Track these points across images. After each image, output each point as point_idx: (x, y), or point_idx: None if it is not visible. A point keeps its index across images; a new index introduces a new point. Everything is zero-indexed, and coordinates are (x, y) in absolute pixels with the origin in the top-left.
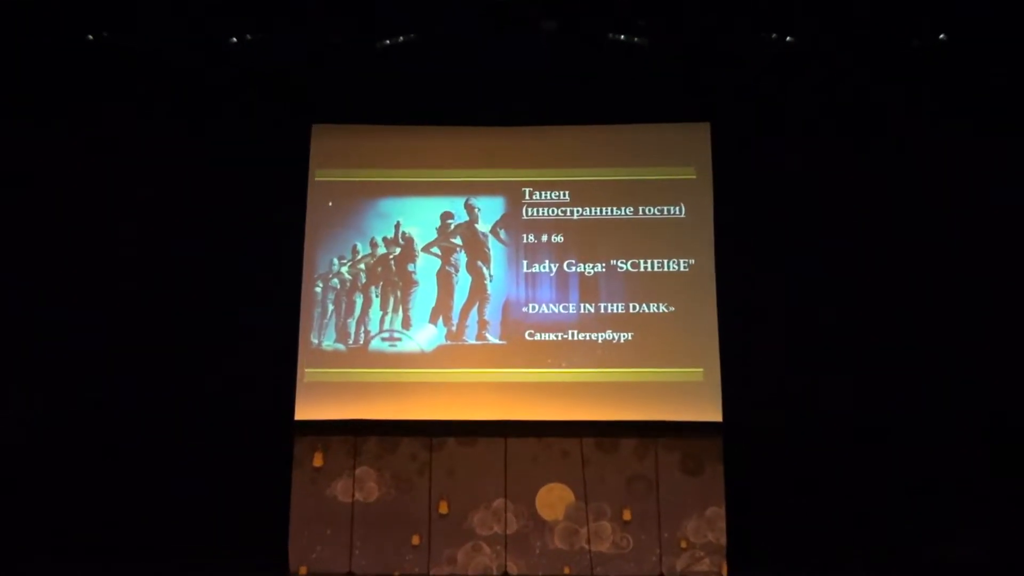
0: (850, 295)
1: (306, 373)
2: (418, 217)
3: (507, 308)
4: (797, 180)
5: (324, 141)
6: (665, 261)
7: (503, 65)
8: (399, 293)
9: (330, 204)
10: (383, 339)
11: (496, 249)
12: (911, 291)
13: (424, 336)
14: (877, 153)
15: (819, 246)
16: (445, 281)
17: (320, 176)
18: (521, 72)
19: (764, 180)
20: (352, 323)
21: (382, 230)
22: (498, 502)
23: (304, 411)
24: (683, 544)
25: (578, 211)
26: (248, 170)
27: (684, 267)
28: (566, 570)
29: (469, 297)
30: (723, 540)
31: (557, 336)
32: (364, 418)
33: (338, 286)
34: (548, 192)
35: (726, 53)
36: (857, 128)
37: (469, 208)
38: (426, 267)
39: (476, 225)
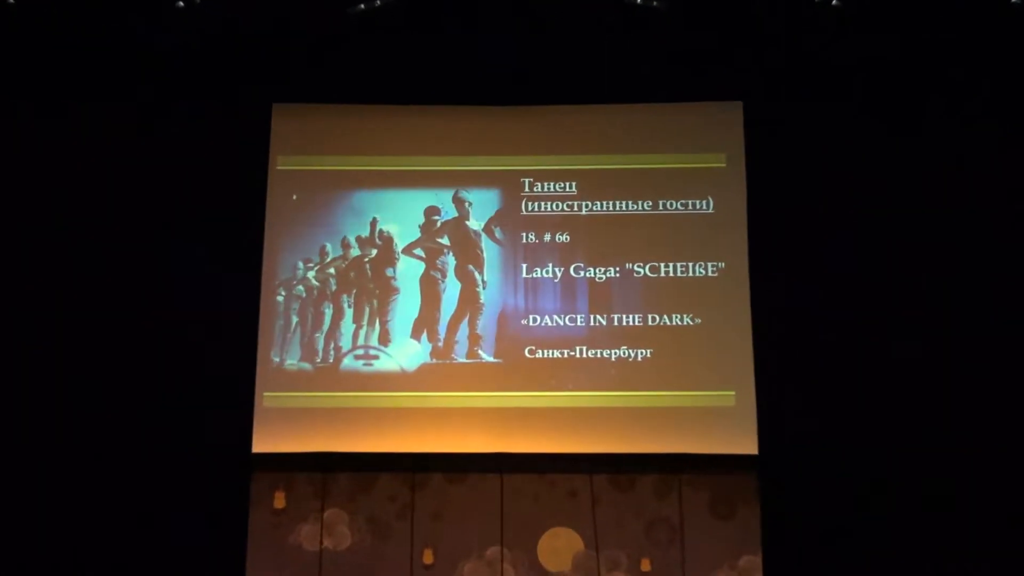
0: (908, 304)
1: (265, 397)
2: (398, 213)
3: (503, 320)
4: (846, 170)
5: (287, 123)
6: (690, 265)
7: (499, 35)
8: (375, 303)
9: (294, 197)
10: (357, 357)
11: (490, 250)
12: (982, 298)
13: (405, 354)
14: (940, 138)
15: (871, 247)
16: (430, 288)
17: (283, 164)
18: (520, 43)
19: (807, 170)
20: (320, 338)
21: (356, 228)
22: (493, 550)
23: (263, 442)
24: None
25: (587, 205)
26: (197, 157)
27: (712, 272)
28: None
29: (458, 307)
30: None
31: (562, 353)
32: (334, 450)
33: (304, 294)
34: (552, 183)
35: (762, 18)
36: (917, 109)
37: (458, 202)
38: (407, 272)
39: (467, 222)
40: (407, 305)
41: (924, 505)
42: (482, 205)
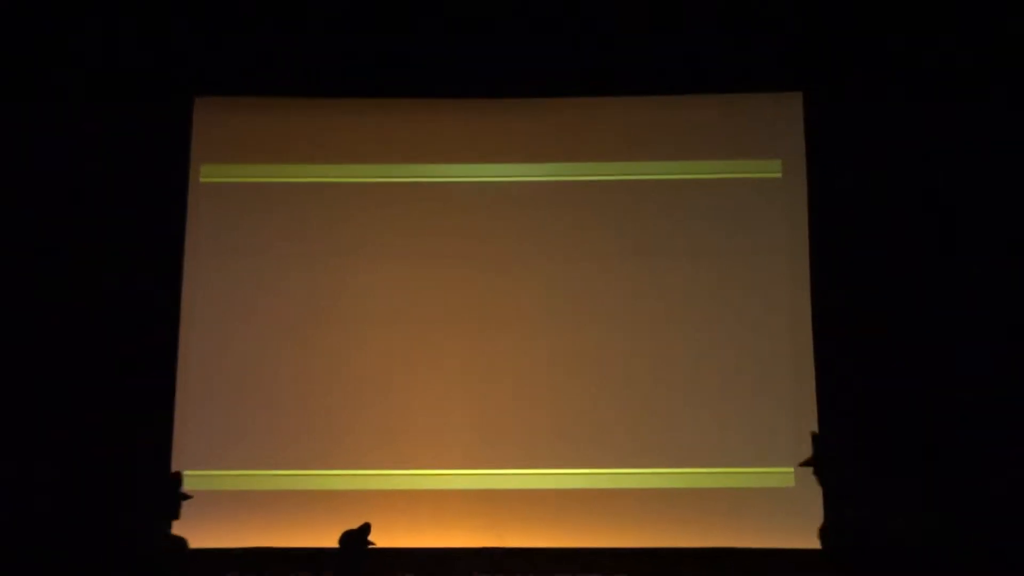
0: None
1: (184, 477)
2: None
3: None
4: (948, 176)
5: (215, 122)
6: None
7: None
8: None
9: (222, 218)
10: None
11: None
12: None
13: None
14: None
15: (985, 274)
16: None
17: (207, 176)
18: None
19: (891, 178)
20: None
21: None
22: None
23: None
24: None
25: None
26: (97, 168)
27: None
28: None
29: None
30: None
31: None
32: (269, 546)
33: None
34: None
35: None
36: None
37: None
38: None
39: None
40: None
41: None
42: None
